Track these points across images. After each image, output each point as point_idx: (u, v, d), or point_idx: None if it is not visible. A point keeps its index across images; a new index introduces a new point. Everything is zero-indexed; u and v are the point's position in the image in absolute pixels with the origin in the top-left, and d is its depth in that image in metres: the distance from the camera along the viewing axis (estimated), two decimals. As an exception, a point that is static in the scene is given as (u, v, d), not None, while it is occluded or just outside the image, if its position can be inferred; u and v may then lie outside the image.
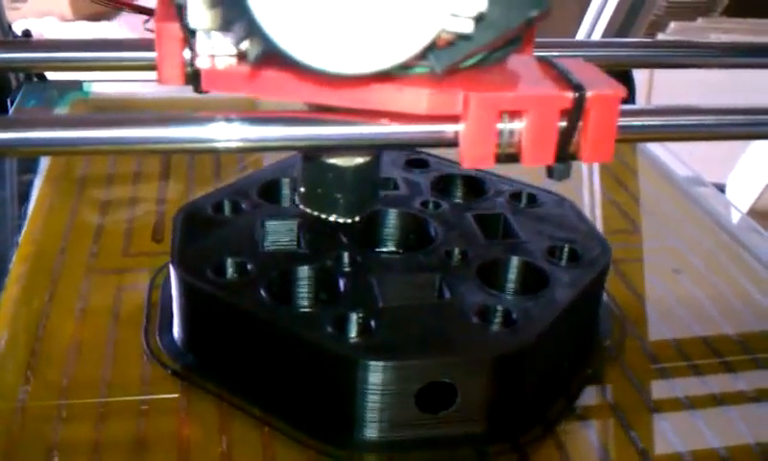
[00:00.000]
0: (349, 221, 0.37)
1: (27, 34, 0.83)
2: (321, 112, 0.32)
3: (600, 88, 0.31)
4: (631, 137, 0.39)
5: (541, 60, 0.34)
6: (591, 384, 0.43)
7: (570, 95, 0.31)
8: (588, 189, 0.66)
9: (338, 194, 0.36)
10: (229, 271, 0.41)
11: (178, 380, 0.41)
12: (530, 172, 0.37)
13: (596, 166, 0.68)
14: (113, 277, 0.49)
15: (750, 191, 1.24)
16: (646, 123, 0.37)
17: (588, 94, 0.31)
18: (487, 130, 0.31)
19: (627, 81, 0.91)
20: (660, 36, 1.79)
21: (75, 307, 0.46)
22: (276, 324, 0.38)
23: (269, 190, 0.48)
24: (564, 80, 0.31)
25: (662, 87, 1.60)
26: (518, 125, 0.31)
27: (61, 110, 0.73)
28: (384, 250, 0.47)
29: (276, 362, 0.39)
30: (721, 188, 1.04)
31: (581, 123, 0.31)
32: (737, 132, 0.39)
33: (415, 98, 0.30)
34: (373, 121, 0.31)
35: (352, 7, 0.26)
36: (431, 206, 0.48)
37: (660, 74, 1.59)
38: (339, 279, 0.41)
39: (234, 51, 0.30)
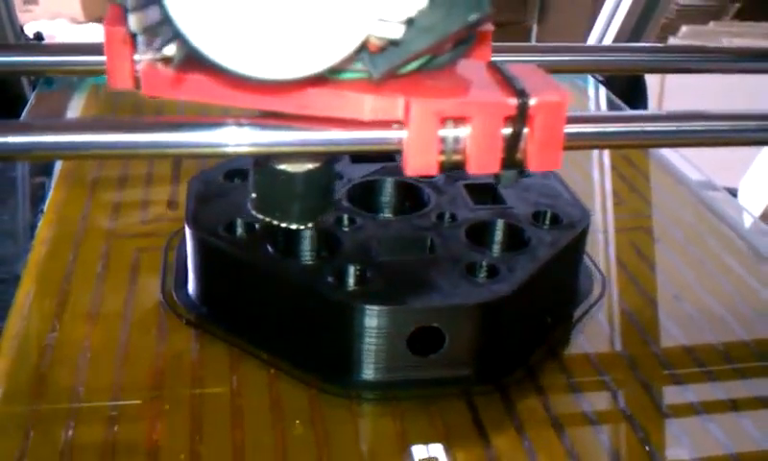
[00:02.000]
0: (302, 228, 0.37)
1: (39, 36, 0.85)
2: (268, 118, 0.31)
3: (545, 95, 0.31)
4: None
5: (491, 65, 0.34)
6: (571, 336, 0.46)
7: (514, 102, 0.30)
8: (599, 192, 0.67)
9: (290, 201, 0.36)
10: (239, 230, 0.45)
11: (192, 329, 0.45)
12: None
13: (608, 169, 0.69)
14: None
15: (762, 196, 1.24)
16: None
17: (532, 101, 0.30)
18: (430, 137, 0.30)
19: (639, 86, 0.93)
20: (672, 40, 1.80)
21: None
22: (282, 275, 0.42)
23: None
24: (509, 86, 0.31)
25: (674, 92, 1.60)
26: (463, 132, 0.30)
27: (79, 95, 0.77)
28: (382, 215, 0.51)
29: (280, 310, 0.43)
30: (733, 193, 1.03)
31: (527, 130, 0.31)
32: (744, 137, 0.40)
33: (357, 104, 0.30)
34: (317, 127, 0.31)
35: (273, 11, 0.25)
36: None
37: (672, 79, 1.59)
38: (339, 237, 0.45)
39: (160, 55, 0.29)
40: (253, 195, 0.37)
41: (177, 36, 0.26)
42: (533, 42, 2.04)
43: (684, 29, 1.85)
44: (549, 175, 0.53)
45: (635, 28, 0.93)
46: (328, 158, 0.36)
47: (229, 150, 0.32)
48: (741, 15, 1.93)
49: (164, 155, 0.34)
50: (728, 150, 0.42)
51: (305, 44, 0.26)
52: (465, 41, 0.33)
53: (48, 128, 0.32)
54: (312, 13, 0.26)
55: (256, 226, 0.45)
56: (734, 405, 0.42)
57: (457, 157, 0.31)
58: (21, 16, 0.87)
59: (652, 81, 1.24)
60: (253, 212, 0.37)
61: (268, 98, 0.30)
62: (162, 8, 0.25)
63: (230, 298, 0.45)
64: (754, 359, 0.46)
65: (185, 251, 0.47)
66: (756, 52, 0.54)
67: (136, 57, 0.31)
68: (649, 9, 0.92)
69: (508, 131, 0.31)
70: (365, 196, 0.50)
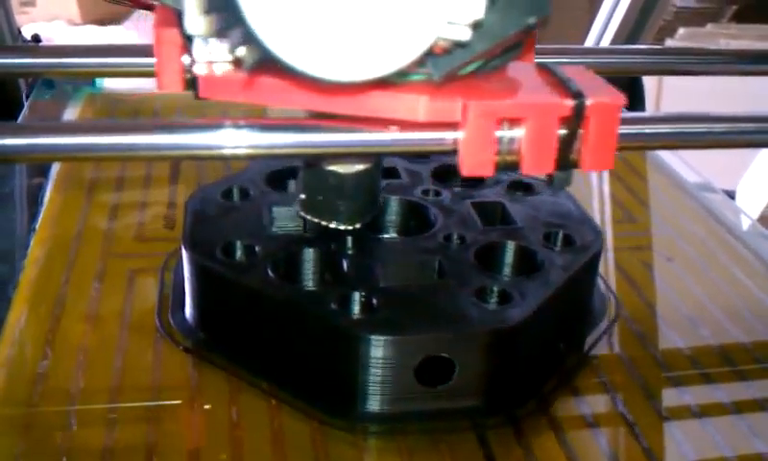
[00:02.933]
0: (350, 228, 0.38)
1: (36, 38, 0.84)
2: (322, 120, 0.32)
3: (600, 96, 0.31)
4: (632, 145, 0.39)
5: (541, 67, 0.34)
6: (585, 363, 0.44)
7: (570, 103, 0.31)
8: (597, 197, 0.66)
9: (338, 201, 0.37)
10: (238, 253, 0.43)
11: (189, 356, 0.43)
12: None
13: (606, 173, 0.68)
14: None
15: (760, 198, 1.24)
16: (647, 131, 0.37)
17: (588, 102, 0.31)
18: (486, 138, 0.31)
19: (636, 88, 0.92)
20: (669, 43, 1.80)
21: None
22: (283, 301, 0.40)
23: (276, 178, 0.50)
24: (564, 87, 0.32)
25: (672, 94, 1.61)
26: (518, 133, 0.31)
27: (75, 104, 0.75)
28: (387, 236, 0.49)
29: (282, 338, 0.41)
30: (731, 195, 1.03)
31: (581, 131, 0.31)
32: (745, 139, 0.39)
33: (413, 106, 0.30)
34: (374, 128, 0.31)
35: (348, 14, 0.26)
36: (431, 193, 0.50)
37: (670, 81, 1.60)
38: (343, 261, 0.43)
39: (231, 57, 0.30)
40: (302, 196, 0.37)
41: (250, 38, 0.26)
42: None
43: (681, 31, 1.85)
44: (559, 192, 0.51)
45: (632, 30, 0.93)
46: (377, 160, 0.37)
47: (227, 152, 0.32)
48: (739, 18, 1.93)
49: (162, 157, 0.34)
50: (725, 152, 0.42)
51: (377, 46, 0.27)
52: (517, 44, 0.33)
53: (45, 129, 0.31)
54: (383, 16, 0.26)
55: (256, 248, 0.43)
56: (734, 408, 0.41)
57: (512, 158, 0.31)
58: (18, 18, 0.87)
59: (649, 83, 1.24)
60: (301, 213, 0.38)
61: (328, 99, 0.30)
62: (236, 11, 0.25)
63: (229, 324, 0.43)
64: (751, 361, 0.45)
65: (182, 273, 0.45)
66: (754, 54, 0.53)
67: (198, 58, 0.31)
68: (646, 11, 0.92)
69: (562, 131, 0.31)
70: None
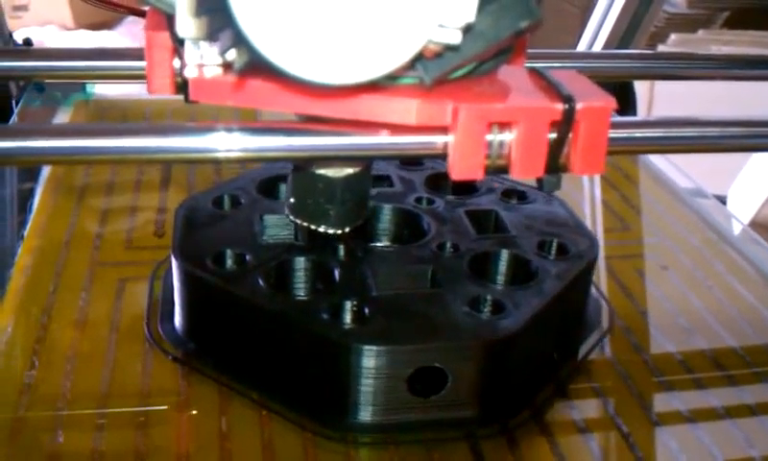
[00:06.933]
0: (339, 232, 0.38)
1: (28, 42, 0.84)
2: (313, 123, 0.32)
3: (590, 100, 0.31)
4: (623, 150, 0.39)
5: (532, 71, 0.34)
6: (579, 372, 0.44)
7: (560, 107, 0.31)
8: (588, 200, 0.66)
9: (327, 205, 0.36)
10: (229, 262, 0.43)
11: (179, 366, 0.42)
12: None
13: (597, 178, 0.68)
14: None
15: (751, 203, 1.24)
16: (638, 135, 0.37)
17: (578, 106, 0.31)
18: (476, 141, 0.31)
19: (628, 92, 0.92)
20: (661, 48, 1.80)
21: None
22: (274, 311, 0.40)
23: (267, 186, 0.50)
24: (555, 91, 0.31)
25: (663, 99, 1.61)
26: (508, 136, 0.31)
27: (65, 111, 0.75)
28: (379, 244, 0.48)
29: (272, 348, 0.40)
30: (722, 200, 1.04)
31: (571, 135, 0.31)
32: (736, 144, 0.39)
33: (404, 109, 0.30)
34: (365, 132, 0.31)
35: (339, 17, 0.26)
36: (424, 202, 0.49)
37: (661, 86, 1.60)
38: (334, 270, 0.42)
39: (221, 61, 0.30)
40: (291, 200, 0.37)
41: (240, 40, 0.26)
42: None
43: (673, 37, 1.85)
44: (553, 200, 0.51)
45: (624, 35, 0.92)
46: (367, 164, 0.36)
47: (220, 155, 0.31)
48: (730, 24, 1.93)
49: (153, 160, 0.34)
50: (716, 157, 0.42)
51: (367, 49, 0.26)
52: (508, 48, 0.33)
53: (36, 132, 0.31)
54: (373, 19, 0.26)
55: (247, 257, 0.43)
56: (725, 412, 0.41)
57: (501, 162, 0.31)
58: (11, 23, 0.86)
59: (641, 88, 1.24)
60: (291, 217, 0.37)
61: (318, 102, 0.30)
62: (227, 13, 0.25)
63: (220, 334, 0.42)
64: (743, 366, 0.45)
65: (172, 282, 0.45)
66: (745, 59, 0.53)
67: (189, 61, 0.30)
68: (638, 16, 0.91)
69: (552, 135, 0.31)
70: (362, 225, 0.47)
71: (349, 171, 0.36)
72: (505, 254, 0.45)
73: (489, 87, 0.32)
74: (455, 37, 0.28)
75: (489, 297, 0.41)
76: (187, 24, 0.29)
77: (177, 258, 0.43)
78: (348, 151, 0.32)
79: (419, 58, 0.28)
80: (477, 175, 0.31)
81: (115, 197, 0.60)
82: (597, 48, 0.93)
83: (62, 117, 0.75)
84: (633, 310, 0.50)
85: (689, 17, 1.91)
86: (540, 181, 0.32)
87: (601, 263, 0.55)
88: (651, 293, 0.52)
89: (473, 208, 0.49)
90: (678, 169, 0.70)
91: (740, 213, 1.17)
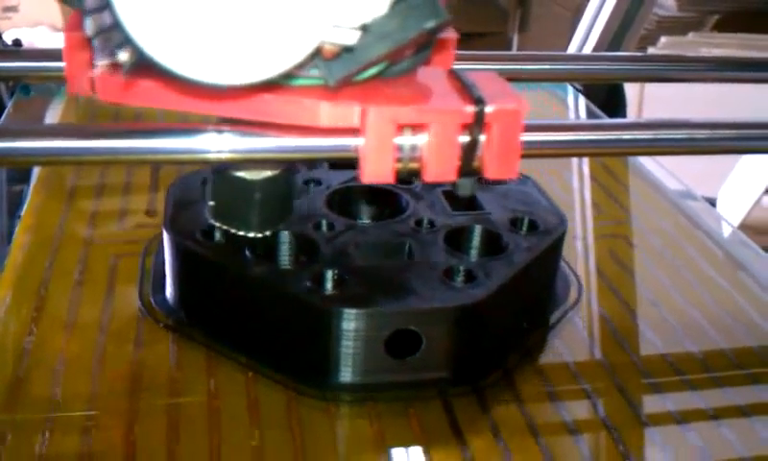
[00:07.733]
0: (260, 236, 0.37)
1: (17, 43, 0.85)
2: (226, 124, 0.31)
3: (502, 102, 0.30)
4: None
5: (451, 72, 0.34)
6: (548, 340, 0.47)
7: (471, 109, 0.30)
8: (578, 202, 0.67)
9: (247, 208, 0.35)
10: (217, 235, 0.45)
11: (169, 333, 0.45)
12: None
13: (587, 179, 0.69)
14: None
15: (741, 205, 1.25)
16: (626, 137, 0.37)
17: (489, 108, 0.30)
18: (386, 144, 0.30)
19: (618, 95, 0.94)
20: (651, 51, 1.81)
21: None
22: (259, 280, 0.42)
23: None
24: (468, 93, 0.31)
25: (653, 101, 1.62)
26: (420, 140, 0.30)
27: (59, 101, 0.76)
28: (361, 221, 0.51)
29: (258, 314, 0.43)
30: (712, 202, 1.03)
31: (484, 138, 0.31)
32: (725, 146, 0.40)
33: (313, 111, 0.30)
34: (276, 134, 0.31)
35: (224, 16, 0.25)
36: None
37: (651, 88, 1.61)
38: (317, 243, 0.45)
39: (111, 60, 0.29)
40: (211, 203, 0.36)
41: (127, 40, 0.25)
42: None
43: (663, 40, 1.86)
44: (527, 182, 0.54)
45: (614, 38, 0.93)
46: (287, 166, 0.35)
47: (211, 156, 0.32)
48: (720, 27, 1.94)
49: (143, 161, 0.35)
50: (706, 160, 0.42)
51: (257, 49, 0.26)
52: (424, 48, 0.32)
53: (25, 133, 0.31)
54: (264, 18, 0.26)
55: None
56: (714, 413, 0.42)
57: (413, 165, 0.31)
58: (1, 23, 0.85)
59: (631, 91, 1.25)
60: (212, 221, 0.36)
61: (223, 104, 0.30)
62: (112, 11, 0.25)
63: (208, 302, 0.45)
64: (732, 368, 0.46)
65: (163, 256, 0.47)
66: (735, 62, 0.55)
67: (96, 61, 0.30)
68: (629, 19, 0.92)
69: (465, 138, 0.31)
70: (343, 202, 0.50)
71: (268, 173, 0.35)
72: (478, 229, 0.48)
73: (402, 89, 0.31)
74: (351, 38, 0.27)
75: (462, 267, 0.44)
76: (89, 22, 0.29)
77: (168, 232, 0.45)
78: (258, 154, 0.32)
79: (320, 58, 0.28)
80: (388, 178, 0.31)
81: (105, 199, 0.61)
82: (588, 51, 0.95)
83: (54, 111, 0.77)
84: (620, 308, 0.51)
85: (680, 20, 1.92)
86: (454, 184, 0.32)
87: (591, 266, 0.56)
88: (639, 294, 0.53)
89: (450, 189, 0.51)
90: (668, 171, 0.70)
91: (730, 215, 1.18)
